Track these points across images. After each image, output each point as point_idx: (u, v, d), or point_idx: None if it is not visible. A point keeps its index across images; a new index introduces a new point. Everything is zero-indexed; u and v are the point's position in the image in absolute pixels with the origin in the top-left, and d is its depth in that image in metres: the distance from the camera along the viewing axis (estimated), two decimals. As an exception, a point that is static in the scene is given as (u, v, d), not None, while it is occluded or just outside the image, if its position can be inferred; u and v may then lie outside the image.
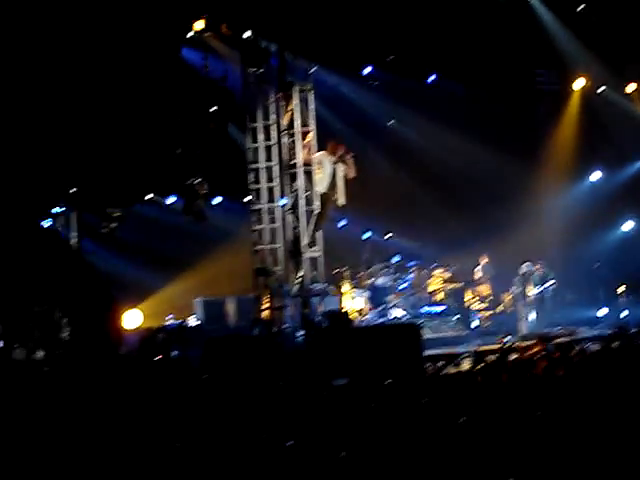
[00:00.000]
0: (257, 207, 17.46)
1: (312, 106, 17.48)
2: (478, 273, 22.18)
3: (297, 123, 17.22)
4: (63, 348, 15.83)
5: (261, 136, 17.48)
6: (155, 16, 16.62)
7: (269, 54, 17.48)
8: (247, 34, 17.36)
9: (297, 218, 17.16)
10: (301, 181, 17.17)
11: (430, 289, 21.52)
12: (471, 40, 20.48)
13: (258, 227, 17.44)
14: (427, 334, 18.15)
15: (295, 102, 17.24)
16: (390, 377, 10.58)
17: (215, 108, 17.89)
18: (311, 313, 16.90)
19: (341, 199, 17.54)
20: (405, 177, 23.15)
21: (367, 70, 22.17)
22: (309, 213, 17.20)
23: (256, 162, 17.47)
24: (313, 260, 17.25)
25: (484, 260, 22.19)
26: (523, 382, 10.13)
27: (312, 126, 17.41)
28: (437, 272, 21.76)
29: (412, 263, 21.89)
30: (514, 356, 13.00)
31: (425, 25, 19.67)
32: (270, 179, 17.48)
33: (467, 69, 21.52)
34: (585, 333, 18.83)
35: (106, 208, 17.49)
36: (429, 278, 21.61)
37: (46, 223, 19.04)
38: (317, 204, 17.29)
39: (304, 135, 17.35)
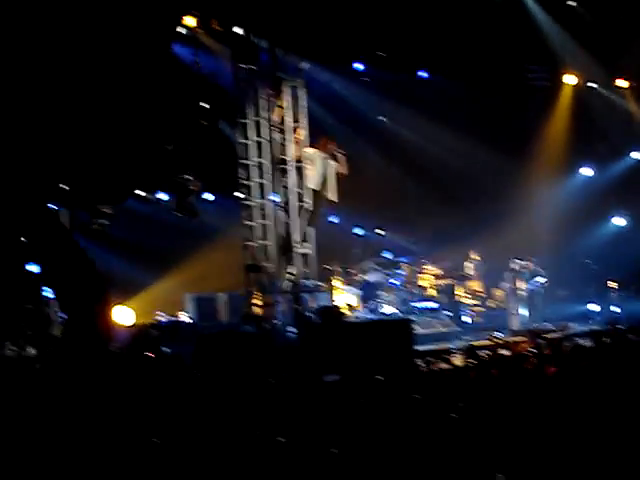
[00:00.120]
0: (248, 203, 17.46)
1: (303, 102, 17.48)
2: (469, 269, 22.20)
3: (288, 119, 17.23)
4: (54, 345, 15.79)
5: (252, 132, 17.47)
6: (145, 12, 16.58)
7: (260, 50, 17.47)
8: (238, 30, 17.34)
9: (288, 214, 17.17)
10: (292, 177, 17.18)
11: (421, 285, 21.54)
12: (462, 36, 20.48)
13: (249, 223, 17.43)
14: (418, 330, 18.16)
15: (286, 98, 17.25)
16: (381, 373, 10.58)
17: (206, 104, 17.86)
18: (302, 309, 16.91)
19: (332, 195, 17.55)
20: (396, 173, 23.16)
21: (358, 66, 22.16)
22: (300, 209, 17.20)
23: (247, 158, 17.46)
24: (304, 256, 17.26)
25: (475, 256, 22.21)
26: (514, 377, 10.15)
27: (303, 122, 17.42)
28: (428, 268, 21.77)
29: (403, 259, 21.91)
30: (505, 352, 13.02)
31: (416, 21, 19.66)
32: (261, 175, 17.48)
33: (458, 65, 21.53)
34: (576, 328, 18.87)
35: (97, 205, 17.45)
36: (420, 274, 21.62)
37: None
38: (308, 200, 17.30)
39: (295, 131, 17.35)
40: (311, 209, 17.28)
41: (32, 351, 16.06)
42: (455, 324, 20.25)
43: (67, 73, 15.84)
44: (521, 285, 21.11)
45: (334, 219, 22.62)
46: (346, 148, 18.11)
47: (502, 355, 12.53)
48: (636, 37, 21.60)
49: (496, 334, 17.68)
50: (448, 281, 21.65)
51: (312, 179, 17.36)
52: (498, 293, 21.78)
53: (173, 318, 19.42)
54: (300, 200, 17.24)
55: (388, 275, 21.07)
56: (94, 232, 17.81)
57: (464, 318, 20.93)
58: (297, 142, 17.35)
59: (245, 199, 17.45)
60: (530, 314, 20.80)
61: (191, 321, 19.82)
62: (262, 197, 17.49)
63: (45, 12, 15.53)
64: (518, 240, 22.17)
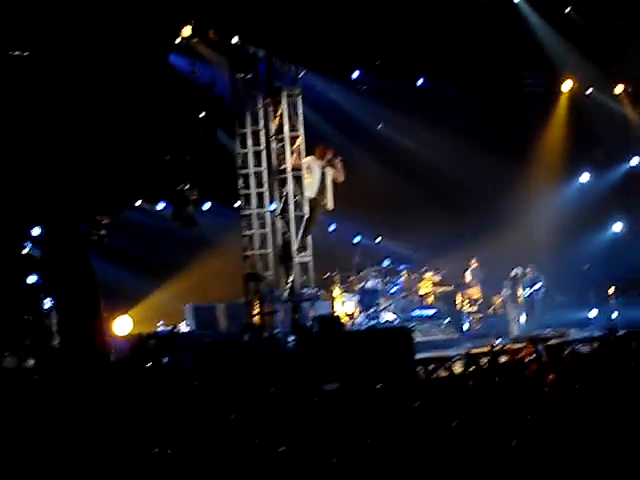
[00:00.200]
0: (247, 212, 17.47)
1: (300, 111, 17.49)
2: (468, 276, 22.21)
3: (286, 128, 17.25)
4: (52, 356, 15.79)
5: (250, 141, 17.49)
6: (143, 22, 16.60)
7: (257, 59, 17.49)
8: (235, 40, 17.36)
9: (287, 223, 17.18)
10: (290, 186, 17.19)
11: (420, 292, 21.55)
12: (459, 43, 20.49)
13: (248, 232, 17.44)
14: (418, 337, 18.16)
15: (283, 107, 17.26)
16: (381, 381, 10.58)
17: (204, 114, 17.87)
18: (302, 318, 16.92)
19: (330, 203, 17.55)
20: (395, 180, 23.14)
21: (355, 74, 22.18)
22: (299, 218, 17.21)
23: (245, 167, 17.48)
24: (303, 265, 17.26)
25: (474, 263, 22.22)
26: (514, 385, 10.15)
27: (301, 131, 17.43)
28: (427, 275, 21.79)
29: (402, 267, 21.92)
30: (505, 358, 13.01)
31: (412, 28, 19.67)
32: (259, 184, 17.49)
33: (455, 72, 21.53)
34: (575, 335, 18.87)
35: (95, 215, 17.46)
36: (419, 281, 21.64)
37: (35, 230, 19.02)
38: (307, 209, 17.30)
39: (293, 140, 17.37)
40: (309, 217, 17.28)
41: (31, 362, 16.07)
42: (455, 331, 20.25)
43: (66, 84, 15.86)
44: (520, 292, 21.12)
45: (333, 227, 22.63)
46: (344, 156, 18.12)
47: (502, 362, 12.52)
48: (632, 43, 21.64)
49: (496, 341, 17.71)
50: (448, 288, 21.66)
51: (310, 187, 17.37)
52: (498, 300, 21.78)
53: (172, 328, 19.42)
54: (298, 209, 17.25)
55: (388, 283, 21.08)
56: (93, 242, 17.80)
57: (464, 325, 20.93)
58: (295, 151, 17.36)
59: (244, 208, 17.46)
60: (529, 321, 20.81)
61: (190, 330, 19.83)
62: (261, 206, 17.50)
63: (43, 25, 15.55)
64: (517, 247, 22.18)
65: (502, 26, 20.74)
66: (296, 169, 17.28)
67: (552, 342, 15.75)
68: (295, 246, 17.08)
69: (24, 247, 18.85)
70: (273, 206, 17.52)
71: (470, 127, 22.42)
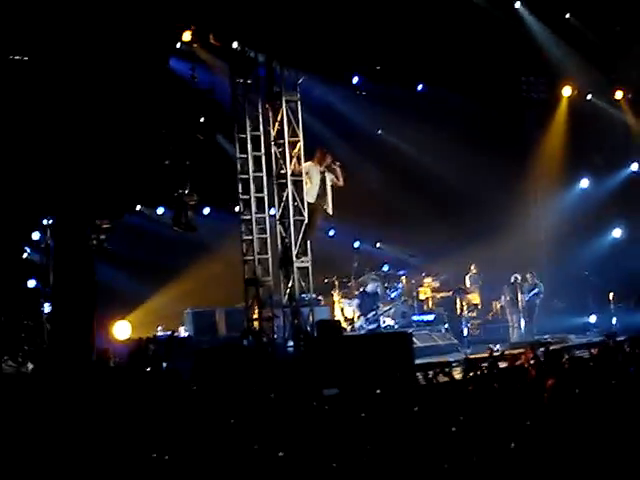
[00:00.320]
0: (246, 217, 17.45)
1: (300, 116, 17.49)
2: (467, 282, 22.21)
3: (285, 133, 17.23)
4: (47, 360, 15.77)
5: (250, 146, 17.47)
6: (143, 27, 16.61)
7: (257, 64, 17.49)
8: (235, 45, 17.37)
9: (286, 228, 17.16)
10: (290, 191, 17.17)
11: (420, 297, 21.56)
12: (458, 48, 20.52)
13: (247, 237, 17.42)
14: (417, 343, 18.16)
15: (283, 112, 17.25)
16: (381, 386, 10.58)
17: (203, 119, 17.87)
18: (301, 323, 16.89)
19: (330, 208, 17.55)
20: (394, 186, 23.14)
21: (355, 80, 22.19)
22: (298, 223, 17.19)
23: (245, 172, 17.46)
24: (303, 270, 17.24)
25: (473, 269, 22.23)
26: (513, 390, 10.14)
27: (300, 136, 17.42)
28: (427, 281, 21.81)
29: (402, 272, 21.93)
30: (504, 364, 13.00)
31: (412, 34, 19.69)
32: (259, 189, 17.47)
33: (455, 78, 21.56)
34: (574, 340, 18.87)
35: (95, 220, 17.45)
36: (419, 287, 21.64)
37: (35, 235, 19.03)
38: (306, 214, 17.30)
39: (292, 145, 17.36)
40: (308, 222, 17.27)
41: (30, 366, 16.06)
42: (454, 337, 20.23)
43: (66, 88, 15.85)
44: (520, 297, 21.11)
45: (333, 232, 22.63)
46: (343, 161, 18.12)
47: (501, 368, 12.51)
48: (632, 49, 21.66)
49: (495, 347, 17.68)
50: (447, 294, 21.66)
51: (309, 193, 17.36)
52: (497, 306, 21.78)
53: (171, 332, 19.39)
54: (298, 214, 17.24)
55: (387, 288, 21.09)
56: (92, 247, 17.78)
57: (463, 331, 20.91)
58: (294, 156, 17.35)
59: (243, 213, 17.44)
60: (529, 326, 20.80)
61: (189, 335, 19.82)
62: (260, 211, 17.48)
63: (43, 30, 15.56)
64: (516, 252, 22.19)
65: (502, 31, 20.77)
66: (296, 174, 17.27)
67: (551, 348, 15.75)
68: (295, 251, 17.07)
69: (24, 251, 18.87)
70: (273, 211, 17.51)
71: (469, 132, 22.43)
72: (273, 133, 17.34)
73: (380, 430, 8.55)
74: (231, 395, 11.30)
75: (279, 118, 17.25)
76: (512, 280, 21.22)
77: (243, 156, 17.44)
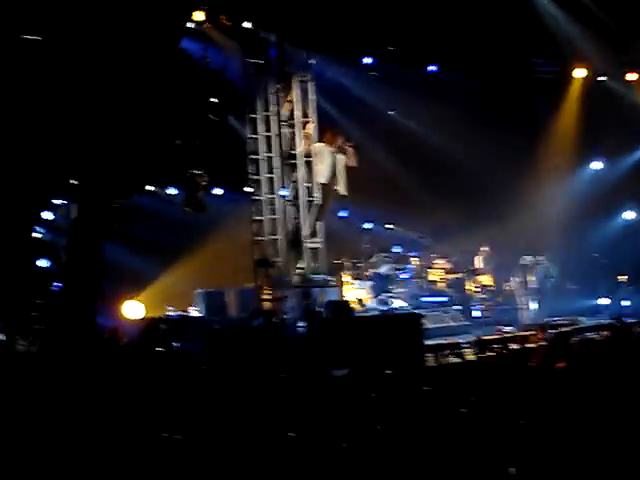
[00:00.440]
0: (257, 198, 17.45)
1: (312, 97, 17.46)
2: (479, 263, 22.18)
3: (297, 114, 17.22)
4: (53, 339, 15.80)
5: (261, 127, 17.46)
6: (155, 7, 16.59)
7: (268, 45, 17.46)
8: (247, 25, 17.33)
9: (297, 209, 17.16)
10: (301, 172, 17.17)
11: (431, 279, 21.54)
12: (470, 29, 20.43)
13: (258, 218, 17.43)
14: (428, 324, 18.17)
15: (295, 93, 17.23)
16: (391, 367, 10.59)
17: (215, 99, 17.86)
18: (312, 304, 16.91)
19: (342, 189, 17.53)
20: (405, 166, 23.11)
21: (367, 60, 22.14)
22: (309, 204, 17.19)
23: (256, 153, 17.46)
24: (314, 251, 17.26)
25: (485, 250, 22.19)
26: (523, 372, 10.15)
27: (312, 117, 17.39)
28: (438, 262, 21.78)
29: (413, 253, 21.91)
30: (515, 346, 13.03)
31: (424, 14, 19.62)
32: (270, 170, 17.47)
33: (466, 58, 21.48)
34: (585, 323, 18.85)
35: (106, 199, 17.46)
36: (430, 268, 21.62)
37: (47, 215, 19.08)
38: (317, 195, 17.27)
39: (304, 126, 17.33)
40: (320, 203, 17.26)
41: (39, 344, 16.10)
42: (465, 318, 20.23)
43: (77, 68, 15.86)
44: (531, 279, 21.10)
45: (343, 213, 22.62)
46: (355, 142, 18.10)
47: (512, 349, 12.53)
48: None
49: (506, 328, 17.70)
50: (458, 275, 21.65)
51: (321, 174, 17.35)
52: (508, 287, 21.75)
53: (182, 312, 19.45)
54: (309, 195, 17.23)
55: (398, 269, 21.08)
56: (103, 227, 17.81)
57: (474, 312, 20.92)
58: (306, 137, 17.33)
59: (254, 194, 17.45)
60: (540, 308, 20.79)
61: (200, 316, 19.86)
62: (271, 192, 17.48)
63: (55, 10, 15.56)
64: (528, 234, 22.15)
65: (514, 12, 20.66)
66: (307, 155, 17.25)
67: (562, 330, 15.76)
68: (305, 232, 17.07)
69: (34, 231, 18.91)
70: (284, 191, 17.49)
71: (481, 113, 22.34)
72: (284, 113, 17.32)
73: (390, 411, 8.56)
74: (242, 375, 11.33)
75: (290, 98, 17.23)
76: (523, 262, 21.21)
77: (254, 136, 17.44)
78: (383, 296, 20.10)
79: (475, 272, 21.74)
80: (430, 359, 13.62)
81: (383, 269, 20.69)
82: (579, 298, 21.46)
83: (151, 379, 11.04)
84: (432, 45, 21.04)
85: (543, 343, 13.15)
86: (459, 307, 20.60)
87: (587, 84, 23.56)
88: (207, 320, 19.39)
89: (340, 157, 17.46)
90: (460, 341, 16.11)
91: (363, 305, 19.98)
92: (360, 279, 20.46)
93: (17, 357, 15.09)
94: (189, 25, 17.82)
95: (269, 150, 17.45)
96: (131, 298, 19.22)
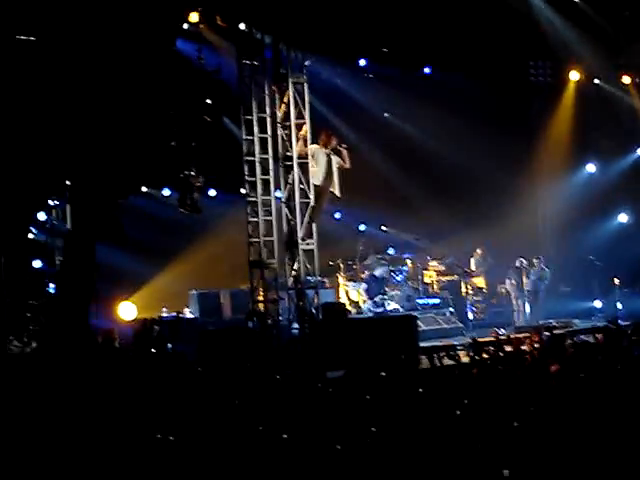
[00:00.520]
0: (252, 199, 17.43)
1: (307, 98, 17.44)
2: (473, 265, 22.20)
3: (292, 115, 17.19)
4: (50, 340, 15.80)
5: (256, 128, 17.43)
6: (150, 7, 16.57)
7: (263, 46, 17.43)
8: (242, 26, 17.31)
9: (292, 211, 17.14)
10: (296, 174, 17.14)
11: (425, 281, 21.55)
12: (465, 31, 20.46)
13: (253, 219, 17.41)
14: (422, 326, 18.18)
15: (290, 94, 17.20)
16: (385, 369, 10.59)
17: (210, 100, 17.84)
18: (306, 305, 16.88)
19: (337, 191, 17.51)
20: (400, 168, 23.12)
21: (362, 62, 22.16)
22: (304, 205, 17.17)
23: (251, 154, 17.42)
24: (308, 252, 17.22)
25: (479, 252, 22.21)
26: (517, 374, 10.15)
27: (307, 118, 17.37)
28: (432, 264, 21.79)
29: (407, 255, 21.92)
30: (509, 348, 13.03)
31: (419, 16, 19.64)
32: (265, 171, 17.43)
33: (461, 61, 21.51)
34: (579, 325, 18.87)
35: (101, 200, 17.45)
36: (424, 270, 21.63)
37: (41, 215, 19.07)
38: (312, 197, 17.26)
39: (299, 127, 17.31)
40: (315, 205, 17.24)
41: (34, 346, 16.08)
42: (459, 320, 20.24)
43: (72, 69, 15.85)
44: (525, 282, 21.12)
45: (338, 215, 22.62)
46: (350, 144, 18.10)
47: (506, 351, 12.53)
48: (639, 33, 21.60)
49: (500, 330, 17.71)
50: (452, 277, 21.66)
51: (316, 175, 17.32)
52: (502, 289, 21.78)
53: (176, 314, 19.43)
54: (304, 196, 17.21)
55: (392, 271, 21.08)
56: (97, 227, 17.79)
57: (468, 314, 20.94)
58: (301, 138, 17.31)
59: (249, 195, 17.42)
60: (534, 310, 20.82)
61: (195, 317, 19.84)
62: (266, 193, 17.46)
63: (49, 10, 15.55)
64: (522, 236, 22.18)
65: (509, 14, 20.68)
66: (302, 156, 17.23)
67: (556, 332, 15.77)
68: (300, 234, 17.05)
69: (30, 232, 18.90)
70: (278, 193, 17.48)
71: (476, 115, 22.34)
72: (279, 115, 17.30)
73: (384, 412, 8.56)
74: (236, 377, 11.32)
75: (285, 100, 17.21)
76: (517, 264, 21.23)
77: (249, 138, 17.41)
78: (378, 298, 20.10)
79: (470, 274, 21.75)
80: (424, 361, 13.60)
81: (378, 271, 20.69)
82: (574, 300, 21.49)
83: (145, 381, 11.04)
84: (428, 47, 21.07)
85: (537, 346, 13.16)
86: (453, 309, 20.61)
87: (582, 87, 23.60)
88: (201, 321, 19.38)
89: (334, 158, 17.44)
90: (455, 343, 16.12)
91: (358, 307, 20.00)
92: (355, 281, 20.46)
93: (11, 358, 15.09)
94: (184, 26, 17.81)
95: (264, 152, 17.42)
96: (125, 299, 19.21)
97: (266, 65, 17.47)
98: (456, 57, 21.40)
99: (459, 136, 22.21)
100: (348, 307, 19.12)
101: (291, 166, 17.13)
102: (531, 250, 21.83)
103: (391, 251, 22.23)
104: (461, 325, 20.00)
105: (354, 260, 20.86)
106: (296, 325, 16.66)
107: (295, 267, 17.06)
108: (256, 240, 17.32)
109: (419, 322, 17.52)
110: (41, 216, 19.05)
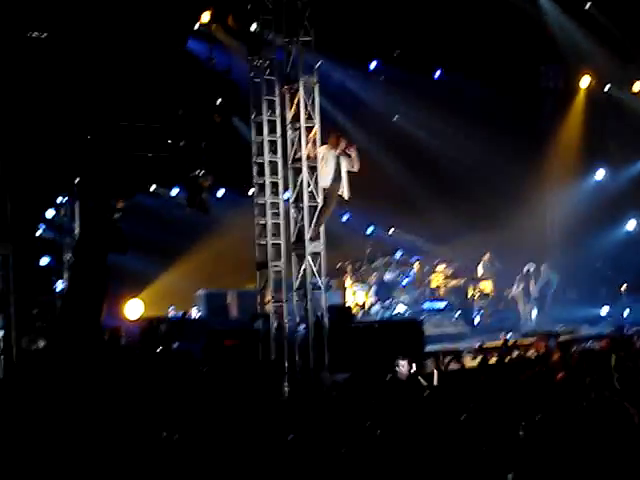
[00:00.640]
0: (261, 201, 17.42)
1: (317, 100, 17.42)
2: (480, 270, 22.17)
3: (302, 117, 17.17)
4: (58, 338, 15.82)
5: (266, 130, 17.41)
6: (162, 7, 16.60)
7: (275, 47, 17.43)
8: (253, 27, 17.31)
9: (300, 213, 17.13)
10: (305, 176, 17.13)
11: (432, 285, 21.53)
12: (477, 36, 20.47)
13: (261, 221, 17.40)
14: (429, 330, 18.16)
15: (300, 96, 17.18)
16: (391, 373, 10.60)
17: (220, 100, 17.86)
18: (313, 307, 16.87)
19: (346, 193, 17.49)
20: (409, 172, 23.12)
21: (373, 65, 22.17)
22: (313, 208, 17.16)
23: (260, 156, 17.41)
24: (315, 254, 17.21)
25: (487, 257, 22.19)
26: (524, 379, 10.15)
27: (317, 120, 17.36)
28: (440, 268, 21.77)
29: (415, 258, 21.90)
30: (515, 353, 13.02)
31: (431, 20, 19.66)
32: (274, 173, 17.42)
33: (473, 65, 21.51)
34: (586, 331, 18.85)
35: (110, 199, 17.48)
36: (432, 274, 21.61)
37: (49, 212, 19.12)
38: (321, 199, 17.24)
39: (309, 130, 17.30)
40: (323, 207, 17.22)
41: (42, 343, 16.10)
42: (466, 325, 20.22)
43: (83, 67, 15.88)
44: (532, 287, 21.09)
45: (346, 217, 22.63)
46: (359, 146, 18.10)
47: (512, 357, 12.53)
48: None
49: (507, 335, 17.69)
50: (460, 281, 21.63)
51: (325, 177, 17.30)
52: (510, 294, 21.75)
53: (183, 313, 19.46)
54: (313, 199, 17.20)
55: (400, 274, 21.07)
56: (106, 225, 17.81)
57: (475, 319, 20.91)
58: (310, 140, 17.30)
59: (258, 197, 17.41)
60: (541, 316, 20.79)
61: (201, 317, 19.87)
62: (275, 195, 17.45)
63: (61, 8, 15.58)
64: (530, 242, 22.16)
65: (521, 19, 20.69)
66: (311, 159, 17.22)
67: (563, 338, 15.76)
68: (308, 235, 17.04)
69: (38, 229, 18.94)
70: (287, 195, 17.47)
71: (486, 120, 22.36)
72: (289, 117, 17.29)
73: (390, 416, 8.56)
74: (242, 378, 11.33)
75: (296, 102, 17.20)
76: (525, 270, 21.20)
77: (259, 139, 17.41)
78: (386, 301, 20.10)
79: (477, 278, 21.73)
80: (430, 365, 13.61)
81: (386, 275, 20.69)
82: (581, 306, 21.46)
83: (151, 379, 11.05)
84: (439, 51, 21.08)
85: (543, 352, 13.14)
86: (460, 313, 20.58)
87: (593, 93, 23.58)
88: (208, 321, 19.40)
89: (343, 160, 17.42)
90: (461, 347, 16.11)
91: (365, 309, 20.00)
92: (361, 283, 20.46)
93: (19, 354, 15.10)
94: (196, 26, 17.84)
95: (273, 153, 17.39)
96: (132, 297, 19.24)
97: (277, 66, 17.48)
98: (467, 61, 21.41)
99: (468, 140, 22.21)
100: (355, 310, 19.12)
101: (300, 168, 17.11)
102: (539, 255, 21.81)
103: (399, 254, 22.23)
104: (468, 329, 19.97)
105: (362, 262, 20.85)
106: (302, 327, 16.65)
107: (302, 269, 17.05)
108: (264, 241, 17.32)
109: (425, 326, 17.51)
110: (49, 213, 19.09)
